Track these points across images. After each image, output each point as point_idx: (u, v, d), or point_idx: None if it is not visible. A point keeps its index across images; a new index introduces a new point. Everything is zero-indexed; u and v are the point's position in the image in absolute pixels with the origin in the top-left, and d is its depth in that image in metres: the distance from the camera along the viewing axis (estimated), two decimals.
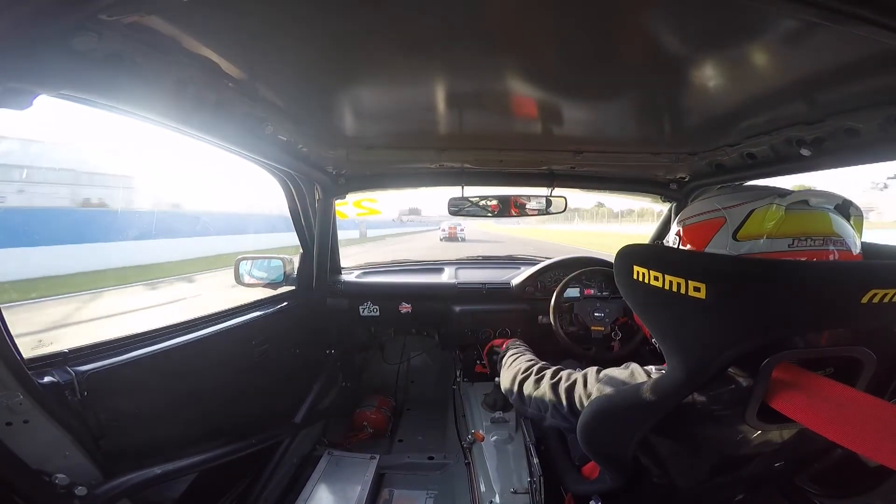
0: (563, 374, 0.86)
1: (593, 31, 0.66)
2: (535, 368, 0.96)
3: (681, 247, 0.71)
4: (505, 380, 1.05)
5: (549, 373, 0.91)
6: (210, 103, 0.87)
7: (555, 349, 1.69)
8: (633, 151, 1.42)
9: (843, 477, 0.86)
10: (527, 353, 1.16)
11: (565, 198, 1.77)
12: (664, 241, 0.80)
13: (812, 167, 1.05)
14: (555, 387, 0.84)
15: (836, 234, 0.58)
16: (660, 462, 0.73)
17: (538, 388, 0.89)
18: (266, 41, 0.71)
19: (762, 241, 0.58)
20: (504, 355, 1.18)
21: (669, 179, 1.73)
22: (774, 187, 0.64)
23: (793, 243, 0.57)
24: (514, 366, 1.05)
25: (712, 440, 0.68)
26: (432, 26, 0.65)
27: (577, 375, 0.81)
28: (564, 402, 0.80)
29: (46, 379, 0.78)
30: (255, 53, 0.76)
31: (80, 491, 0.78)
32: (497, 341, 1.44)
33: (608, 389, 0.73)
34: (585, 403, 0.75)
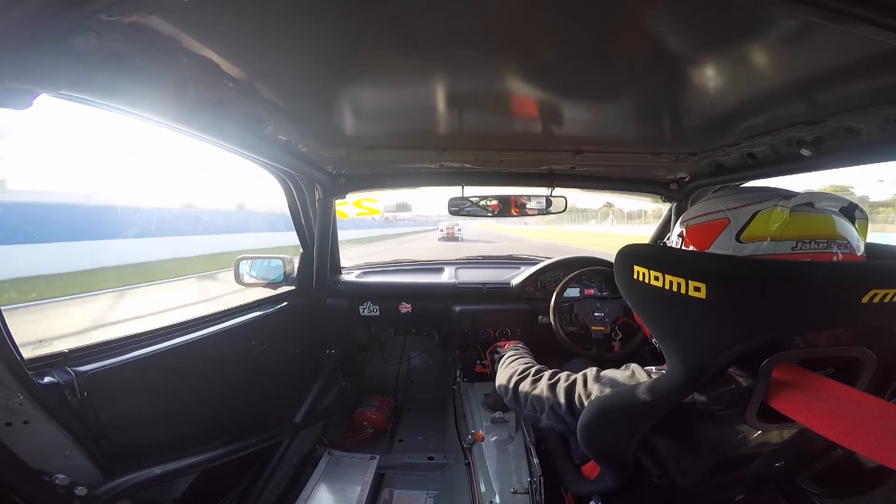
0: (562, 374, 0.86)
1: (593, 31, 0.66)
2: (533, 370, 0.96)
3: (683, 247, 0.71)
4: (501, 379, 1.05)
5: (547, 374, 0.90)
6: (210, 103, 0.87)
7: (555, 349, 1.69)
8: (634, 151, 1.42)
9: (843, 477, 0.86)
10: (526, 355, 1.15)
11: (565, 198, 1.78)
12: (666, 241, 0.80)
13: (812, 167, 1.05)
14: (553, 387, 0.84)
15: (840, 236, 0.58)
16: (660, 462, 0.73)
17: (535, 387, 0.89)
18: (266, 41, 0.71)
19: (766, 243, 0.58)
20: (503, 356, 1.18)
21: (670, 179, 1.73)
22: (779, 189, 0.64)
23: (797, 245, 0.57)
24: (512, 366, 1.04)
25: (712, 440, 0.68)
26: (432, 26, 0.65)
27: (577, 376, 0.81)
28: (563, 401, 0.80)
29: (46, 379, 0.78)
30: (255, 53, 0.76)
31: (81, 491, 0.78)
32: (500, 343, 1.44)
33: (608, 390, 0.72)
34: (585, 403, 0.75)
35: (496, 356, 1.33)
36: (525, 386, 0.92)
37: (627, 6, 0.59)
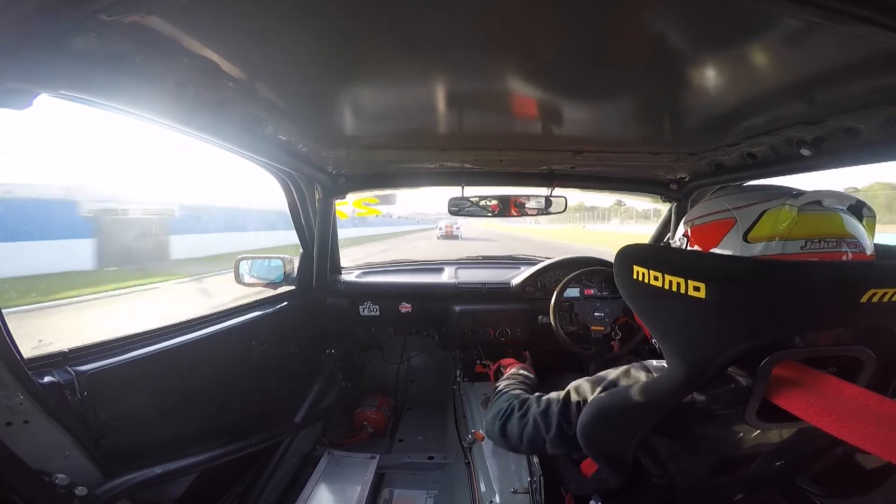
0: (551, 396, 0.83)
1: (593, 31, 0.66)
2: (517, 404, 0.90)
3: (688, 248, 0.70)
4: (486, 423, 0.97)
5: (532, 401, 0.86)
6: (210, 103, 0.87)
7: (555, 349, 1.69)
8: (633, 151, 1.42)
9: (843, 477, 0.86)
10: (516, 387, 1.07)
11: (565, 198, 1.78)
12: (670, 241, 0.80)
13: (812, 167, 1.05)
14: (545, 413, 0.81)
15: (850, 235, 0.57)
16: (660, 462, 0.73)
17: (524, 421, 0.84)
18: (266, 41, 0.71)
19: (774, 242, 0.57)
20: (496, 390, 1.10)
21: (670, 179, 1.73)
22: (785, 187, 0.63)
23: (806, 245, 0.56)
24: (494, 407, 0.98)
25: (712, 440, 0.68)
26: (432, 26, 0.65)
27: (568, 389, 0.79)
28: (563, 422, 0.77)
29: (46, 379, 0.78)
30: (255, 53, 0.76)
31: (81, 491, 0.78)
32: (506, 361, 1.39)
33: (607, 391, 0.72)
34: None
35: (500, 375, 1.27)
36: (513, 425, 0.87)
37: (627, 6, 0.59)
